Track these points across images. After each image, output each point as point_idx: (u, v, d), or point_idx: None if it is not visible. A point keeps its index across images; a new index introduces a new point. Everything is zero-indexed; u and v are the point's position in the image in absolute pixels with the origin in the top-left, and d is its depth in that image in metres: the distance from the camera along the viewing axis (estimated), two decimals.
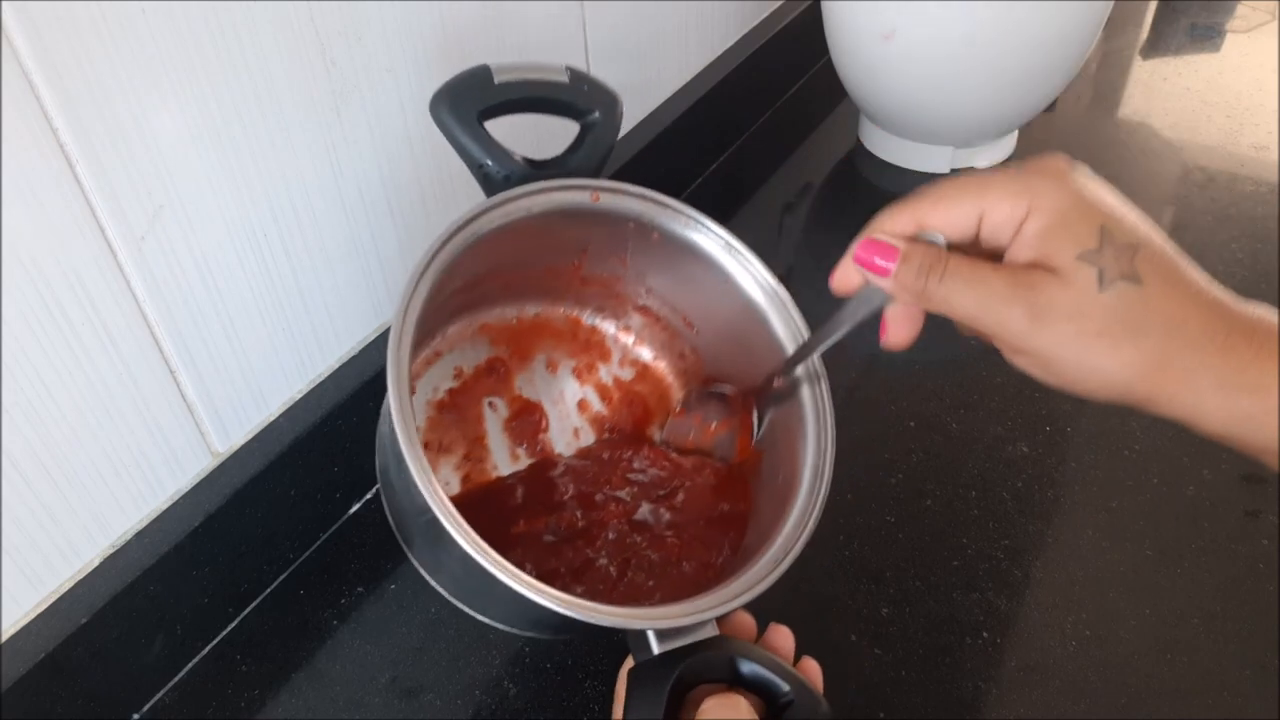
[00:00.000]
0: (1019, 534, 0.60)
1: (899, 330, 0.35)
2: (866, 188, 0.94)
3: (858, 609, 0.56)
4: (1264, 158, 0.93)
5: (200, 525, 0.52)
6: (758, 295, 0.49)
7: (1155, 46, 1.15)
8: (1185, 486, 0.62)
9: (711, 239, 0.49)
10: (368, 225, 0.59)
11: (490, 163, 0.45)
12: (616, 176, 0.78)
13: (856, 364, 0.71)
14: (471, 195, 0.46)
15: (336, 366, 0.61)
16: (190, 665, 0.55)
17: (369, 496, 0.64)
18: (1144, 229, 0.32)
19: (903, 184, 0.93)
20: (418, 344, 0.43)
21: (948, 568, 0.58)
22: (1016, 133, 0.94)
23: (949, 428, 0.66)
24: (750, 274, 0.49)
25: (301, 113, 0.52)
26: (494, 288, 0.52)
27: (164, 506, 0.53)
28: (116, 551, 0.51)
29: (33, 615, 0.48)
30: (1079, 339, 0.31)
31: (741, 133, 0.99)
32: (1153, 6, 1.22)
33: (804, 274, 0.83)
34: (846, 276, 0.35)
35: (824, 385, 0.46)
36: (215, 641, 0.56)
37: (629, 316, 0.56)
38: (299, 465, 0.57)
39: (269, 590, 0.59)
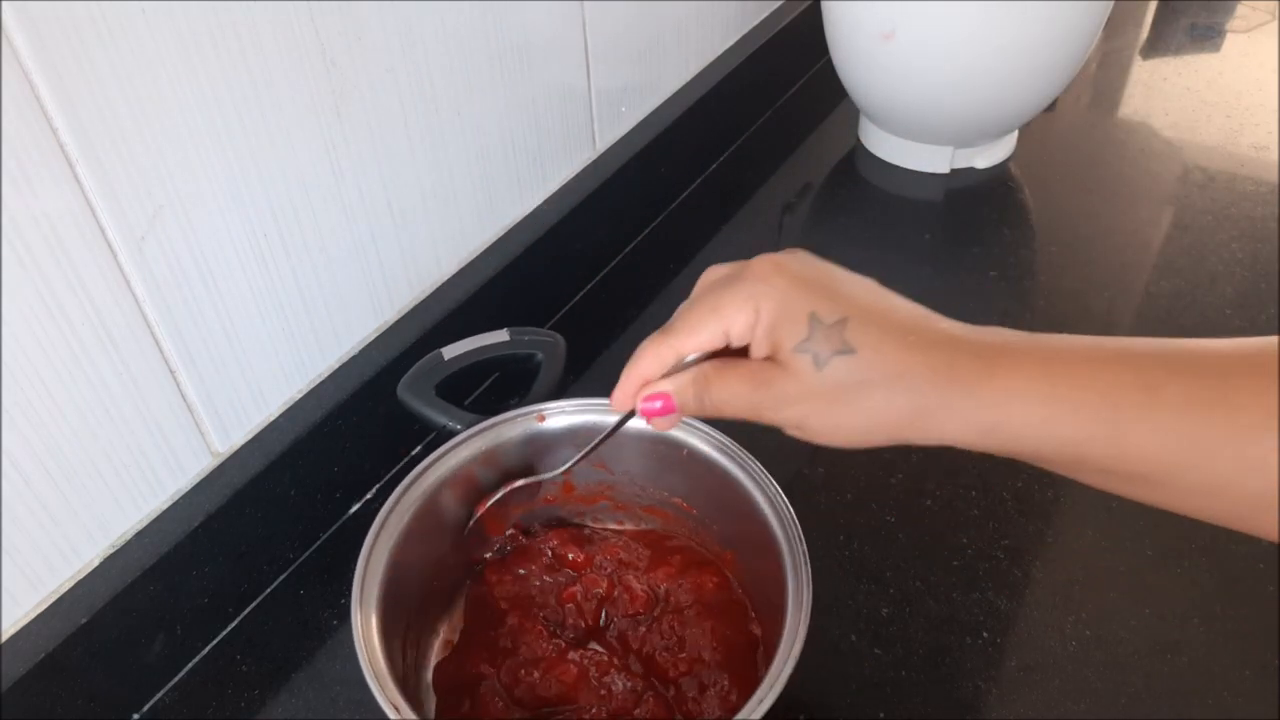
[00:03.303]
0: (1019, 534, 0.60)
1: (663, 425, 0.40)
2: (866, 188, 0.94)
3: (858, 609, 0.56)
4: (1264, 158, 0.93)
5: (200, 525, 0.52)
6: (723, 459, 0.51)
7: (1155, 46, 1.14)
8: None
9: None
10: (368, 225, 0.59)
11: (449, 422, 0.55)
12: (616, 176, 0.78)
13: None
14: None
15: (336, 366, 0.61)
16: (190, 665, 0.55)
17: (369, 496, 0.64)
18: (858, 294, 0.36)
19: (903, 184, 0.93)
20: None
21: (948, 568, 0.58)
22: (1016, 133, 0.94)
23: None
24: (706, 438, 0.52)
25: (301, 113, 0.52)
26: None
27: (164, 506, 0.53)
28: (116, 551, 0.51)
29: (33, 615, 0.48)
30: (818, 413, 0.36)
31: (741, 133, 0.99)
32: (1153, 6, 1.22)
33: None
34: (623, 402, 0.40)
35: (784, 501, 0.48)
36: (215, 641, 0.56)
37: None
38: (299, 465, 0.57)
39: (269, 590, 0.59)
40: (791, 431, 0.37)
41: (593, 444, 0.48)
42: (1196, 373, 0.31)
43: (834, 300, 0.35)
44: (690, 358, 0.38)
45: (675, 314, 0.39)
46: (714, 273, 0.39)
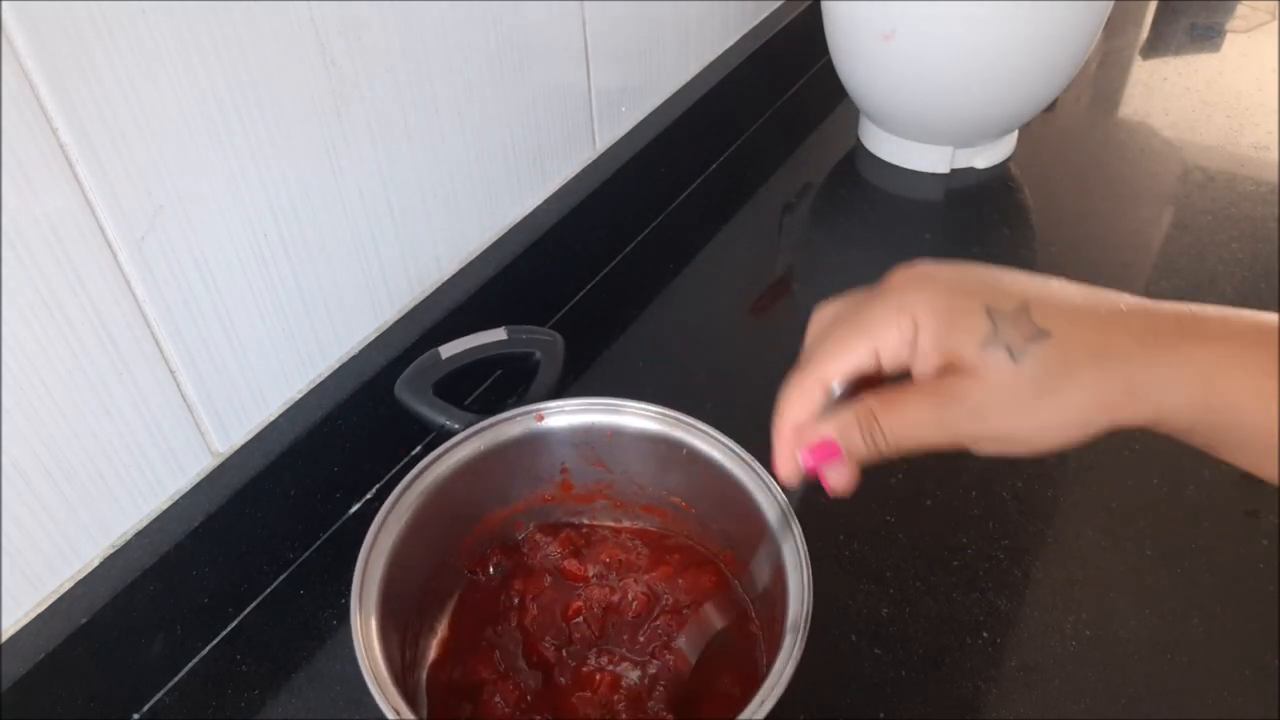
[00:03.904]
0: (1019, 534, 0.60)
1: (842, 482, 0.36)
2: (866, 188, 0.94)
3: (858, 609, 0.56)
4: (1264, 158, 0.93)
5: (200, 525, 0.52)
6: (723, 459, 0.50)
7: (1155, 46, 1.14)
8: (1185, 486, 0.62)
9: (657, 421, 0.52)
10: (368, 225, 0.59)
11: (447, 422, 0.54)
12: (616, 176, 0.78)
13: None
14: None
15: (336, 366, 0.61)
16: (190, 665, 0.55)
17: (369, 496, 0.64)
18: (1022, 283, 0.33)
19: (903, 184, 0.93)
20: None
21: (948, 568, 0.58)
22: (1016, 133, 0.94)
23: None
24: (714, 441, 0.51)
25: (301, 113, 0.52)
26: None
27: (164, 506, 0.53)
28: (116, 551, 0.50)
29: (33, 615, 0.48)
30: (1025, 413, 0.31)
31: (741, 133, 0.99)
32: (1153, 6, 1.22)
33: (804, 274, 0.83)
34: (788, 463, 0.36)
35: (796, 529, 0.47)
36: (215, 641, 0.56)
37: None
38: (299, 465, 0.57)
39: (269, 590, 0.59)
40: (988, 448, 0.33)
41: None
42: None
43: (1000, 290, 0.32)
44: (837, 391, 0.34)
45: (804, 352, 0.35)
46: (828, 309, 0.35)
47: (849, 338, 0.33)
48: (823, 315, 0.36)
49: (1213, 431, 0.31)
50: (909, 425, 0.33)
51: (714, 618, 0.49)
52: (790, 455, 0.35)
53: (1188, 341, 0.30)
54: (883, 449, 0.34)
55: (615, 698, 0.49)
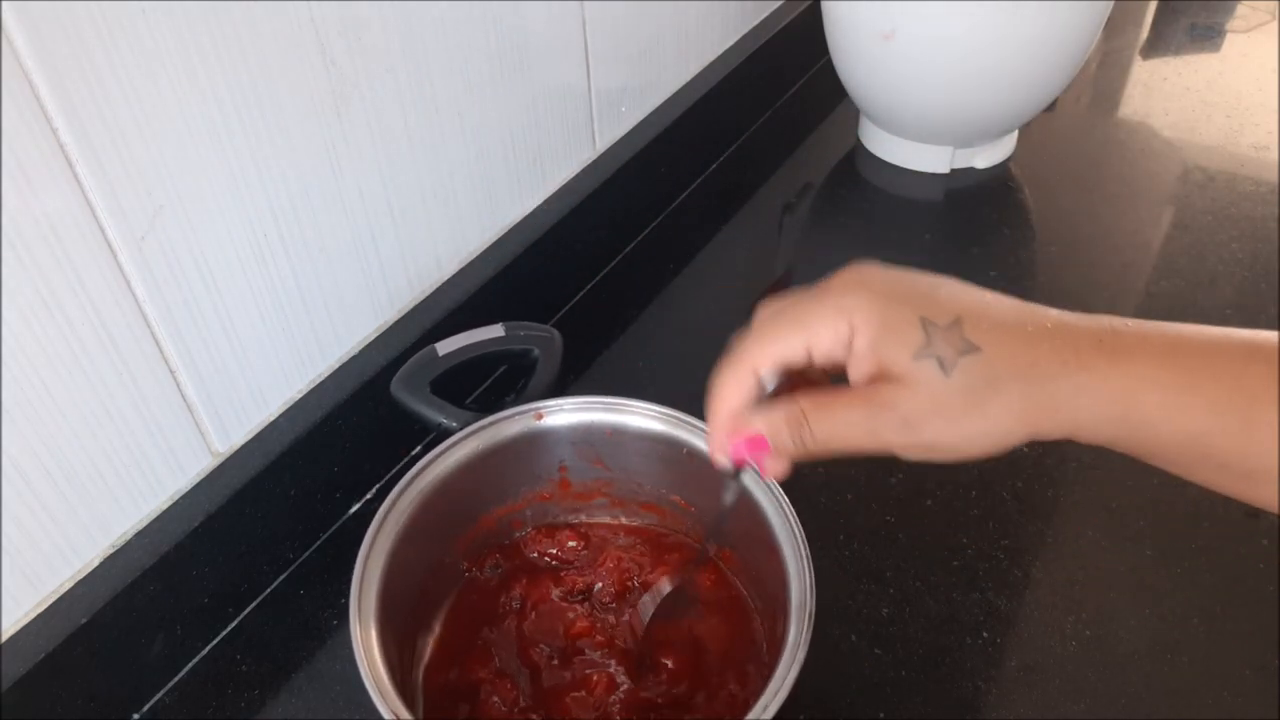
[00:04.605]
0: (1019, 534, 0.60)
1: (775, 472, 0.37)
2: (866, 188, 0.94)
3: (858, 609, 0.56)
4: (1264, 158, 0.93)
5: (200, 525, 0.52)
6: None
7: (1155, 46, 1.14)
8: (1185, 486, 0.61)
9: (657, 420, 0.52)
10: (368, 225, 0.59)
11: (444, 420, 0.54)
12: (616, 176, 0.78)
13: None
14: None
15: (336, 366, 0.61)
16: (190, 665, 0.55)
17: (369, 496, 0.64)
18: (958, 295, 0.34)
19: (903, 184, 0.93)
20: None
21: (948, 568, 0.58)
22: (1016, 133, 0.94)
23: None
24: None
25: (301, 113, 0.52)
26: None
27: (164, 506, 0.53)
28: (116, 551, 0.51)
29: (33, 615, 0.48)
30: (951, 424, 0.33)
31: (741, 133, 0.99)
32: (1153, 6, 1.22)
33: (804, 274, 0.83)
34: (722, 443, 0.37)
35: (787, 505, 0.47)
36: (215, 641, 0.56)
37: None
38: (299, 465, 0.57)
39: (269, 590, 0.59)
40: (914, 455, 0.34)
41: (722, 515, 0.45)
42: None
43: (937, 302, 0.33)
44: (769, 382, 0.35)
45: (740, 340, 0.36)
46: (772, 304, 0.36)
47: (784, 330, 0.34)
48: (766, 310, 0.36)
49: (1131, 445, 0.33)
50: (839, 428, 0.34)
51: (666, 582, 0.50)
52: (723, 442, 0.36)
53: (1104, 360, 0.32)
54: (811, 449, 0.35)
55: (610, 699, 0.49)
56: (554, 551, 0.55)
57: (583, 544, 0.56)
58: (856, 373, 0.34)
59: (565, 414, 0.53)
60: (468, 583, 0.55)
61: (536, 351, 0.58)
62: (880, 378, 0.33)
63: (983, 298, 0.34)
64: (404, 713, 0.40)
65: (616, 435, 0.53)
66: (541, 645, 0.51)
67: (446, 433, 0.53)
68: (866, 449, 0.34)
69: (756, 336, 0.35)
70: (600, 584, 0.54)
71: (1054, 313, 0.34)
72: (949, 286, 0.35)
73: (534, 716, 0.48)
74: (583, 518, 0.58)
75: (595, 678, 0.49)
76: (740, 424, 0.36)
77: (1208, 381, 0.31)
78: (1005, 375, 0.32)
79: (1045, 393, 0.32)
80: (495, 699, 0.48)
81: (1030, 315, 0.34)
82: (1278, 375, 0.30)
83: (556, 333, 0.59)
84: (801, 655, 0.41)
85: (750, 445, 0.36)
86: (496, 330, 0.57)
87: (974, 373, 0.32)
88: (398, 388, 0.55)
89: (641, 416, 0.52)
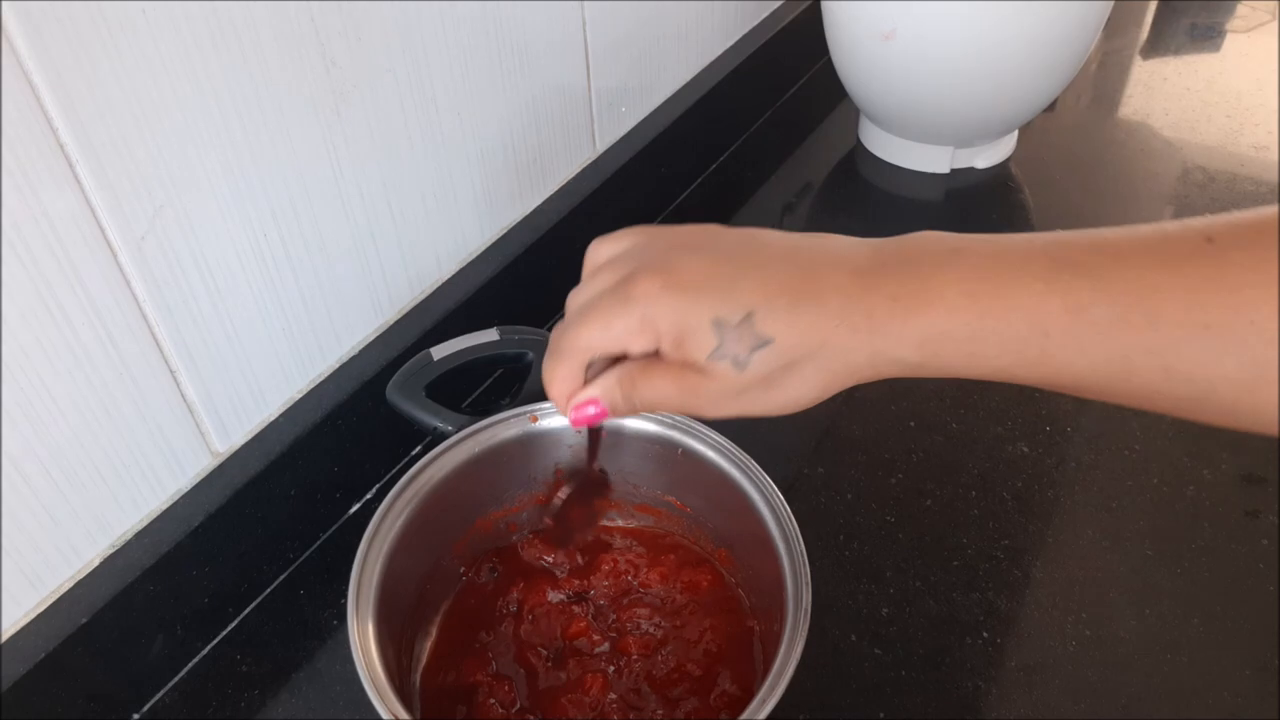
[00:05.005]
0: (1019, 534, 0.60)
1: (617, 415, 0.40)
2: (866, 188, 0.94)
3: (858, 609, 0.56)
4: (1264, 158, 0.93)
5: (200, 525, 0.52)
6: (718, 458, 0.51)
7: (1155, 46, 1.14)
8: (1185, 486, 0.62)
9: (652, 421, 0.53)
10: (368, 225, 0.59)
11: (440, 424, 0.54)
12: (616, 176, 0.78)
13: None
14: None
15: (336, 366, 0.61)
16: (190, 665, 0.55)
17: (369, 496, 0.64)
18: (759, 282, 0.35)
19: (903, 184, 0.93)
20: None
21: (948, 568, 0.58)
22: (1016, 133, 0.94)
23: (949, 428, 0.66)
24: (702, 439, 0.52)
25: (301, 113, 0.52)
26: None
27: (164, 506, 0.53)
28: (116, 551, 0.51)
29: (33, 615, 0.48)
30: (755, 402, 0.36)
31: (741, 133, 0.99)
32: (1153, 6, 1.22)
33: None
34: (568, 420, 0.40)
35: (780, 500, 0.48)
36: (215, 641, 0.56)
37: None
38: (299, 465, 0.57)
39: (269, 590, 0.59)
40: (732, 417, 0.37)
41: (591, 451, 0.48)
42: (1125, 287, 0.31)
43: (731, 295, 0.35)
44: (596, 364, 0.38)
45: (568, 306, 0.38)
46: (600, 252, 0.39)
47: (601, 339, 0.36)
48: (576, 301, 0.38)
49: (940, 373, 0.35)
50: (658, 396, 0.37)
51: (566, 488, 0.53)
52: (567, 413, 0.39)
53: (898, 321, 0.33)
54: (638, 409, 0.38)
55: (607, 699, 0.49)
56: (550, 555, 0.55)
57: (580, 547, 0.56)
58: (671, 360, 0.37)
59: (560, 417, 0.53)
60: (465, 586, 0.55)
61: (531, 355, 0.58)
62: (687, 367, 0.36)
63: (772, 258, 0.36)
64: (403, 714, 0.40)
65: (611, 437, 0.53)
66: (538, 648, 0.51)
67: (442, 437, 0.53)
68: (687, 414, 0.37)
69: (577, 333, 0.37)
70: (596, 587, 0.54)
71: (852, 255, 0.35)
72: (755, 267, 0.35)
73: (531, 718, 0.48)
74: None
75: (591, 679, 0.49)
76: (576, 395, 0.39)
77: (1000, 324, 0.32)
78: (800, 358, 0.34)
79: (841, 363, 0.34)
80: (492, 701, 0.48)
81: (823, 268, 0.35)
82: (1070, 303, 0.31)
83: (549, 336, 0.59)
84: (798, 652, 0.41)
85: (584, 411, 0.39)
86: (491, 334, 0.58)
87: (769, 362, 0.34)
88: (393, 392, 0.56)
89: (636, 418, 0.52)
